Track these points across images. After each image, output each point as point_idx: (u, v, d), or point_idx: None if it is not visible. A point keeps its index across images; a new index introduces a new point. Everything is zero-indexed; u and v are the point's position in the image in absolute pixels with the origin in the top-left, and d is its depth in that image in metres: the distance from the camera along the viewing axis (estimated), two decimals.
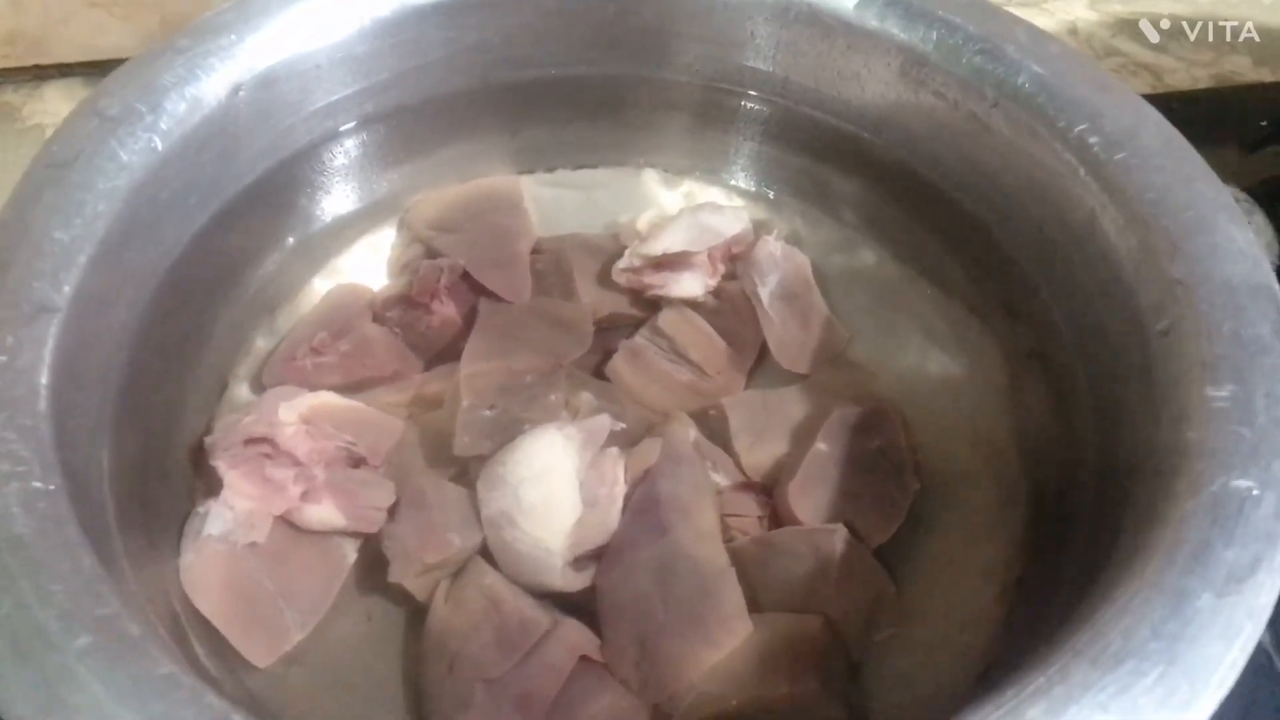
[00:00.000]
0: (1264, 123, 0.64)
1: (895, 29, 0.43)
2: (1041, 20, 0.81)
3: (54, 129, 0.65)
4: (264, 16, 0.42)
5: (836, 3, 0.44)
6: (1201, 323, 0.32)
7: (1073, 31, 0.81)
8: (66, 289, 0.34)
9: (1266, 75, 0.76)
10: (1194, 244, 0.34)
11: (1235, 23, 0.78)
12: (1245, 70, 0.77)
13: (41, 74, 0.68)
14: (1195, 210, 0.35)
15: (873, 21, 0.44)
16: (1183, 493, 0.29)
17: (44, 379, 0.32)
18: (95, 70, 0.68)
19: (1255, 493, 0.28)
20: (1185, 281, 0.33)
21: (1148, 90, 0.75)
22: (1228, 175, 0.61)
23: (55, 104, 0.68)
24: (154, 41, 0.66)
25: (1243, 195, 0.60)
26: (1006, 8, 0.84)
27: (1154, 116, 0.38)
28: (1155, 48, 0.79)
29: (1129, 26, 0.80)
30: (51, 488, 0.30)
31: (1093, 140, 0.38)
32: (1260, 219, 0.59)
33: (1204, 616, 0.26)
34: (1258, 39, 0.77)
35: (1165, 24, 0.79)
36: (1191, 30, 0.79)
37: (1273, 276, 0.33)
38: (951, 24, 0.42)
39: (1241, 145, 0.63)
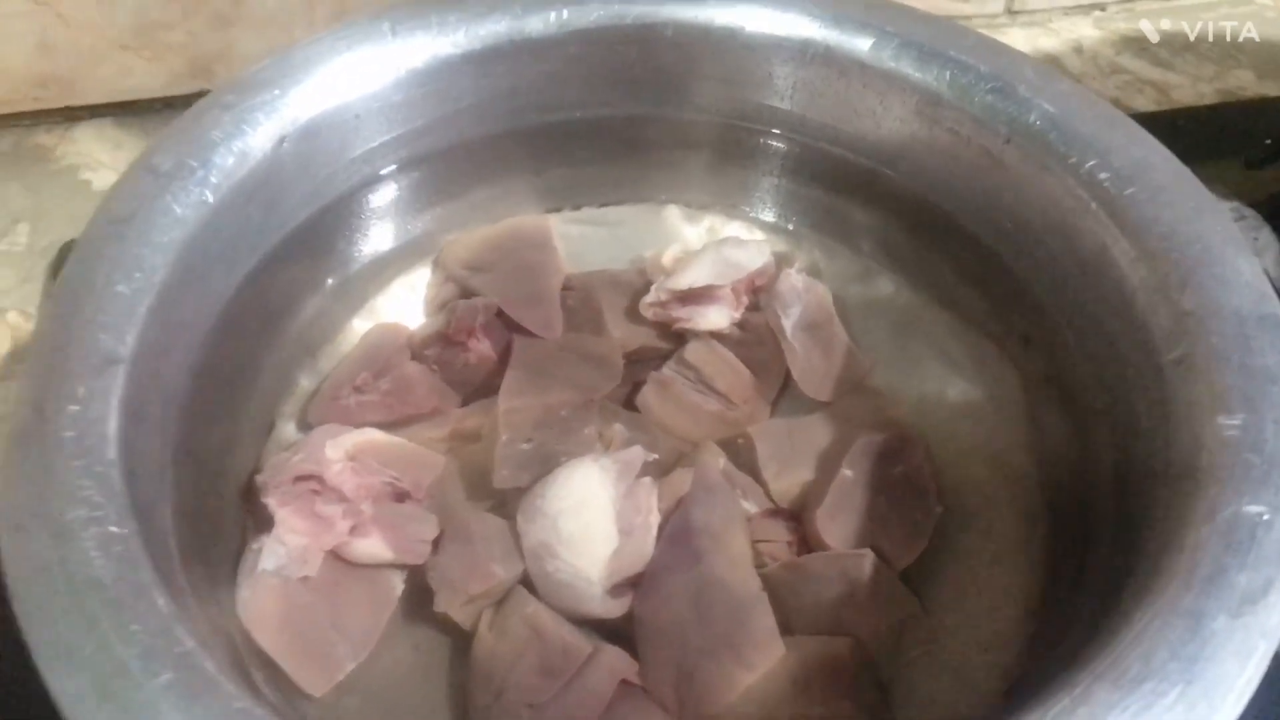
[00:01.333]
0: (1268, 140, 0.65)
1: (909, 69, 0.45)
2: (1046, 39, 0.83)
3: (87, 170, 0.68)
4: (304, 71, 0.44)
5: (852, 44, 0.46)
6: (1212, 353, 0.34)
7: (1078, 50, 0.82)
8: (130, 340, 0.36)
9: (1271, 90, 0.77)
10: (1203, 276, 0.36)
11: (1235, 23, 0.80)
12: (1250, 85, 0.79)
13: (72, 115, 0.70)
14: (1204, 243, 0.36)
15: (888, 62, 0.45)
16: (1197, 518, 0.30)
17: (113, 427, 0.34)
18: (125, 111, 0.71)
19: (1266, 517, 0.30)
20: (1196, 313, 0.35)
21: (1154, 107, 0.77)
22: (1234, 190, 0.62)
23: (87, 145, 0.70)
24: (181, 82, 0.69)
25: (1249, 211, 0.61)
26: (1011, 29, 0.86)
27: (1162, 151, 0.40)
28: (1161, 64, 0.80)
29: (1134, 44, 0.82)
30: (125, 531, 0.31)
31: (1103, 176, 0.39)
32: (1267, 234, 0.60)
33: (1219, 638, 0.28)
34: (1258, 39, 0.79)
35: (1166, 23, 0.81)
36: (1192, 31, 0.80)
37: (1279, 307, 0.35)
38: (964, 64, 0.44)
39: (1246, 164, 0.65)
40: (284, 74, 0.43)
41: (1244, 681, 0.27)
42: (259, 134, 0.42)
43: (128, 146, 0.70)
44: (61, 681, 0.28)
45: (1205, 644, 0.28)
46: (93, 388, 0.34)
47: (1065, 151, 0.41)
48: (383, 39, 0.45)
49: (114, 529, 0.31)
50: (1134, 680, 0.27)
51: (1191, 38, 0.80)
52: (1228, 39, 0.79)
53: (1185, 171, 0.39)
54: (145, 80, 0.69)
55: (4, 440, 0.33)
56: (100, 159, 0.69)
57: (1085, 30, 0.84)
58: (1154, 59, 0.81)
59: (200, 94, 0.70)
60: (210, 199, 0.40)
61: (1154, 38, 0.79)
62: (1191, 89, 0.79)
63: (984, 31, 0.81)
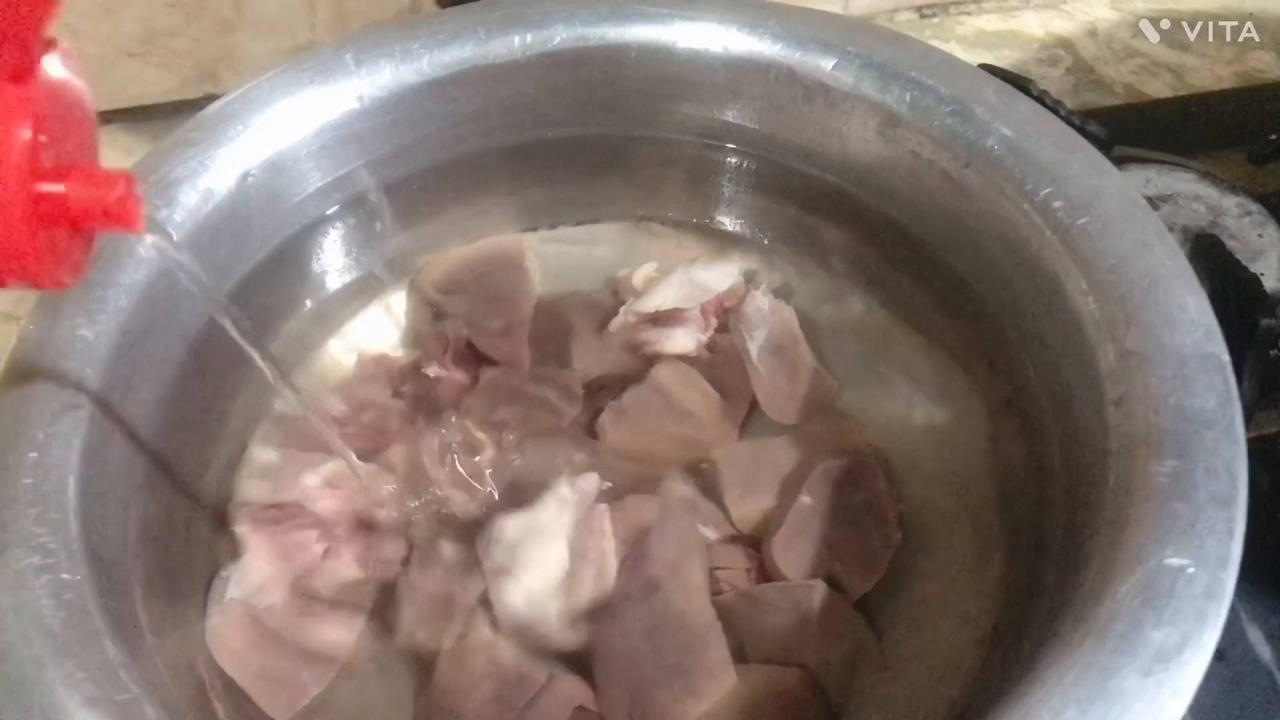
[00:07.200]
0: (1272, 135, 0.63)
1: (870, 90, 0.44)
2: (1060, 22, 0.81)
3: None
4: (267, 105, 0.44)
5: (814, 65, 0.45)
6: (1151, 395, 0.33)
7: (1093, 33, 0.80)
8: (93, 383, 0.37)
9: None
10: (1148, 313, 0.35)
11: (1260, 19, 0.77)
12: (1270, 67, 0.76)
13: None
14: (1151, 277, 0.36)
15: (849, 82, 0.45)
16: (1120, 569, 0.30)
17: (72, 471, 0.35)
18: (134, 117, 0.72)
19: (1190, 571, 0.29)
20: (1138, 352, 0.34)
21: (1169, 93, 0.75)
22: (1242, 183, 0.60)
23: (101, 152, 0.71)
24: (189, 86, 0.70)
25: (1255, 205, 0.60)
26: (1024, 11, 0.84)
27: (1116, 179, 0.39)
28: (1178, 46, 0.78)
29: (1150, 25, 0.79)
30: (78, 578, 0.32)
31: (1057, 204, 0.39)
32: (1272, 230, 0.59)
33: (1128, 696, 0.27)
34: None
35: (1179, 23, 0.78)
36: (1212, 30, 0.78)
37: (1223, 346, 0.34)
38: (924, 85, 0.43)
39: (1250, 159, 0.63)
40: (248, 109, 0.44)
41: None
42: (223, 170, 0.43)
43: (139, 153, 0.71)
44: None
45: (1113, 703, 0.27)
46: (52, 432, 0.35)
47: (1021, 178, 0.40)
48: (345, 70, 0.46)
49: (66, 576, 0.32)
50: None
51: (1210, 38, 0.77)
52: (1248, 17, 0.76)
53: (1139, 200, 0.38)
54: (154, 86, 0.70)
55: None
56: (114, 166, 0.71)
57: (1100, 12, 0.82)
58: (1171, 41, 0.78)
59: (208, 98, 0.71)
60: (175, 237, 0.41)
61: (1154, 38, 0.77)
62: (1209, 72, 0.76)
63: (997, 15, 0.81)
